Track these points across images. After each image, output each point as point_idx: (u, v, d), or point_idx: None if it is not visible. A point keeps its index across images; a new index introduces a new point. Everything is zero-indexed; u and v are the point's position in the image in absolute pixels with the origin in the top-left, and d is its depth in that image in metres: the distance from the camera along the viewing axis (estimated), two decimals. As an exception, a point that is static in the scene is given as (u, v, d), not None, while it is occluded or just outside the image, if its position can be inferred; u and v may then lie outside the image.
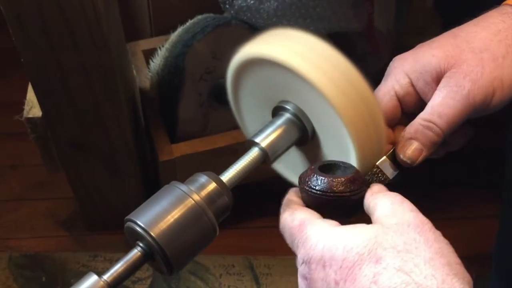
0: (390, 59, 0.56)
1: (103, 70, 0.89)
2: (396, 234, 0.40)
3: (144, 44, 1.22)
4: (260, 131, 0.52)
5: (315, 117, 0.51)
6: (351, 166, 0.47)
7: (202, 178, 0.47)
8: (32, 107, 0.99)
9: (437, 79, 0.52)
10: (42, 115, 0.98)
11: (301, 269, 0.43)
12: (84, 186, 1.15)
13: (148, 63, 1.14)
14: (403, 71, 0.53)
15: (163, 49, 1.07)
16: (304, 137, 0.53)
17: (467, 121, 0.52)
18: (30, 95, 1.00)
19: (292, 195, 0.48)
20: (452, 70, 0.51)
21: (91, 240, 1.25)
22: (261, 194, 1.10)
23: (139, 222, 0.44)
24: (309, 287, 0.42)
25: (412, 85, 0.53)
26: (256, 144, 0.51)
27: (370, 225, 0.42)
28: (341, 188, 0.45)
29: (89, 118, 0.98)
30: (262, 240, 1.23)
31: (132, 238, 0.45)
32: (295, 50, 0.47)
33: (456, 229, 1.23)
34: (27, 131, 1.03)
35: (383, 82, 0.55)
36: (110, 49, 0.87)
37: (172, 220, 0.44)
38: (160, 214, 0.44)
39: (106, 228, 1.23)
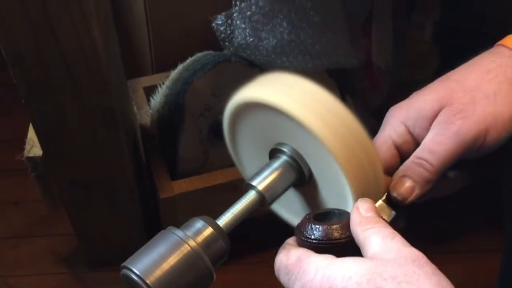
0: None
1: (103, 110, 0.90)
2: (395, 266, 0.39)
3: (145, 81, 1.23)
4: (257, 174, 0.52)
5: (312, 159, 0.51)
6: (345, 212, 0.47)
7: (199, 223, 0.47)
8: (33, 146, 0.99)
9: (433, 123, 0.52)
10: (42, 154, 0.98)
11: None
12: (85, 224, 1.15)
13: (149, 100, 1.15)
14: (399, 120, 0.54)
15: (164, 86, 1.08)
16: (301, 179, 0.52)
17: (465, 165, 0.52)
18: (31, 134, 1.01)
19: (288, 240, 0.48)
20: (444, 109, 0.52)
21: (91, 278, 1.24)
22: (260, 229, 1.09)
23: (134, 270, 0.43)
24: None
25: (409, 132, 0.54)
26: (253, 187, 0.51)
27: (368, 257, 0.42)
28: (337, 234, 0.45)
29: (89, 157, 0.98)
30: (262, 275, 1.22)
31: (129, 285, 0.45)
32: (291, 95, 0.48)
33: (461, 262, 1.22)
34: (28, 170, 1.04)
35: (380, 132, 0.55)
36: (111, 90, 0.87)
37: (168, 267, 0.44)
38: (156, 261, 0.44)
39: (107, 265, 1.22)
